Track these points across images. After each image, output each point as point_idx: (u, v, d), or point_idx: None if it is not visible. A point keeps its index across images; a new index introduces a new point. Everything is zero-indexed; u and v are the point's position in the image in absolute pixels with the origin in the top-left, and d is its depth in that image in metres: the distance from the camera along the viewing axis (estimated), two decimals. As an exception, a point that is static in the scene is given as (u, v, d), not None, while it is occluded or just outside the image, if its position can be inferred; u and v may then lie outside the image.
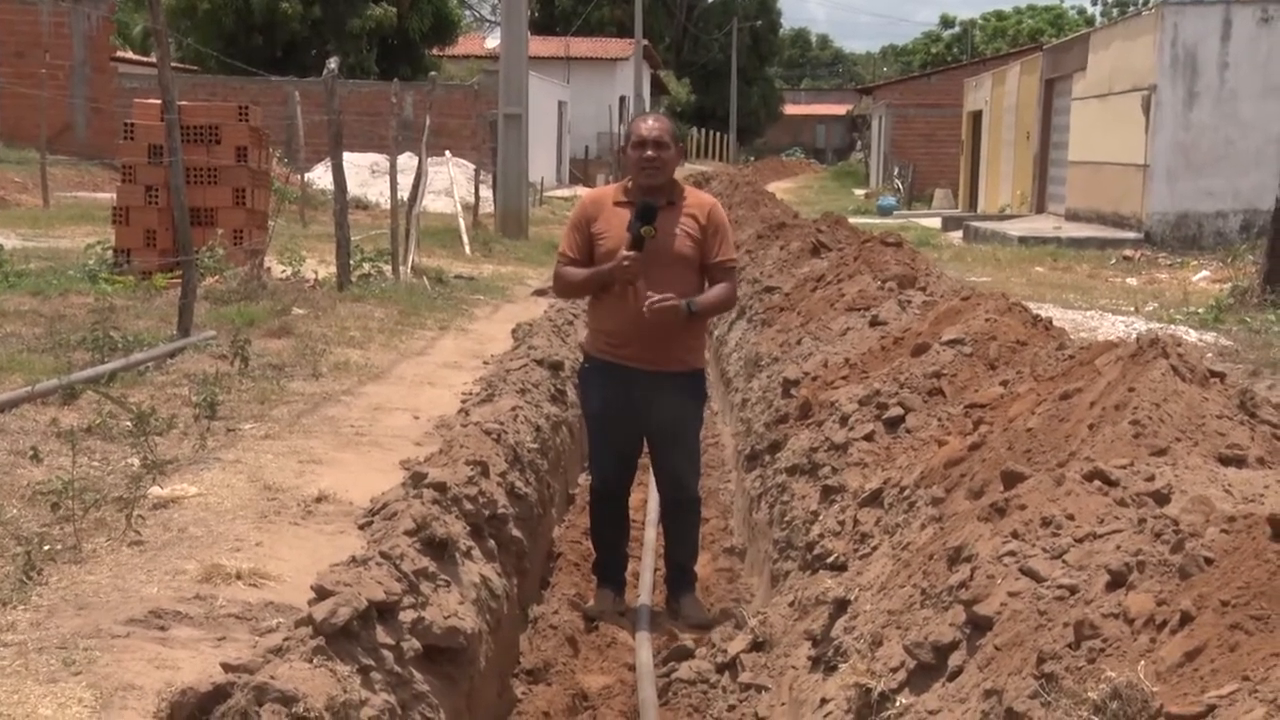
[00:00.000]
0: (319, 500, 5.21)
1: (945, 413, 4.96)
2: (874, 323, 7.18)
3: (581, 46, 48.22)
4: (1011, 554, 3.00)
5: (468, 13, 58.50)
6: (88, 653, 3.49)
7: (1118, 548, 2.77)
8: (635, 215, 5.03)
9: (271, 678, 2.78)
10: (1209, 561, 2.50)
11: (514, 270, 16.68)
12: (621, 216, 5.12)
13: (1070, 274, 18.15)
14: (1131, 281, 17.46)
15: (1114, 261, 19.97)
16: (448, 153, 23.07)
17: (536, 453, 6.04)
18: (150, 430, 5.64)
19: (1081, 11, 71.64)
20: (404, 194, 15.10)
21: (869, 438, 5.14)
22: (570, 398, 7.56)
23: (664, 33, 65.04)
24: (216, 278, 10.79)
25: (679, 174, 5.53)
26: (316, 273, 12.61)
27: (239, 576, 4.17)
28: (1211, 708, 2.08)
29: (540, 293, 13.45)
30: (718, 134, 66.08)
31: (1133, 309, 13.99)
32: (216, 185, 12.29)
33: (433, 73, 25.51)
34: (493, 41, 45.47)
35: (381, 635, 3.26)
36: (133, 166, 12.17)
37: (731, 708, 4.35)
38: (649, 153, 5.09)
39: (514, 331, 9.81)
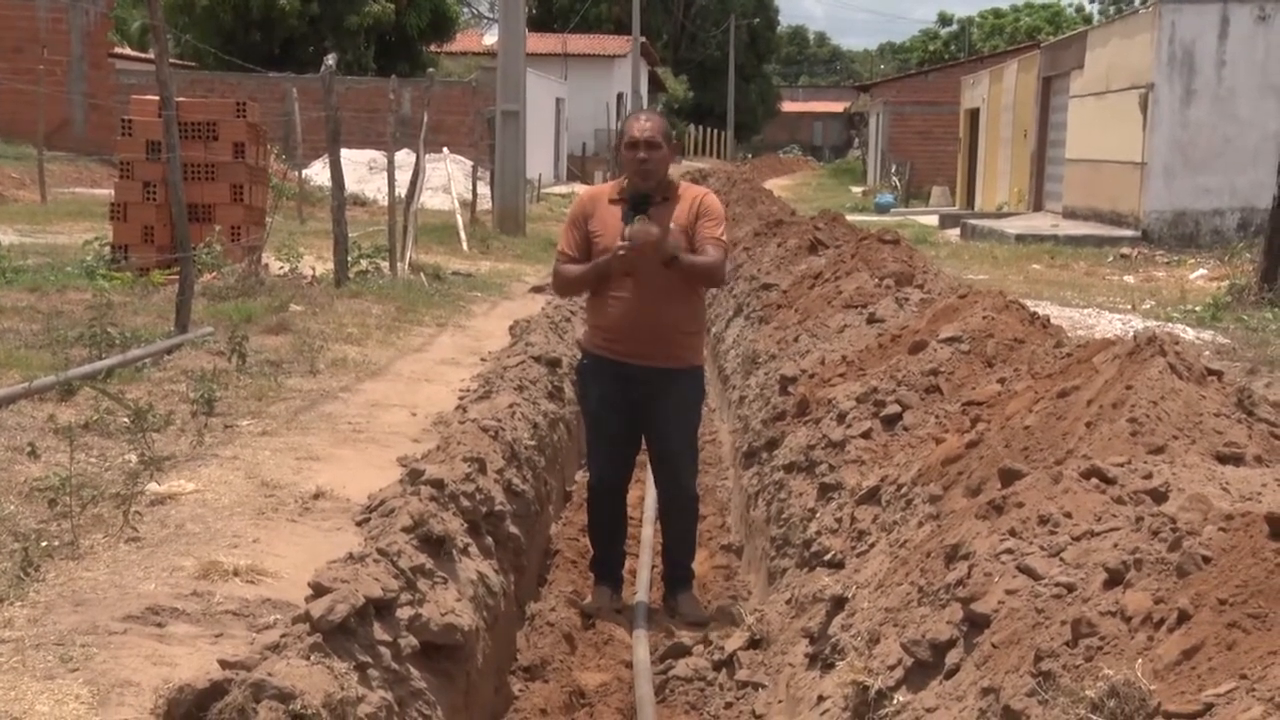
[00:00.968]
0: (316, 497, 5.20)
1: (943, 410, 4.96)
2: (871, 320, 7.18)
3: (579, 43, 48.20)
4: (1009, 552, 3.00)
5: (466, 9, 58.46)
6: (85, 649, 3.49)
7: (1115, 546, 2.78)
8: (630, 206, 5.10)
9: (269, 674, 2.78)
10: (1206, 560, 2.50)
11: (511, 267, 16.67)
12: (616, 214, 5.16)
13: (1068, 272, 18.16)
14: (1129, 279, 17.46)
15: (1111, 259, 19.98)
16: (445, 149, 23.04)
17: (534, 450, 6.04)
18: (148, 426, 5.64)
19: (1079, 9, 71.63)
20: (402, 190, 15.09)
21: (866, 435, 5.14)
22: (568, 394, 7.56)
23: (662, 29, 64.99)
24: (214, 274, 10.78)
25: (675, 170, 5.52)
26: (314, 269, 12.60)
27: (236, 573, 4.17)
28: (1209, 706, 2.08)
29: (538, 289, 13.44)
30: (715, 131, 66.04)
31: (1130, 307, 13.99)
32: (214, 181, 12.29)
33: (430, 69, 25.51)
34: (490, 38, 45.51)
35: (379, 632, 3.26)
36: (130, 163, 12.15)
37: (728, 705, 4.35)
38: (641, 154, 5.12)
39: (512, 328, 9.80)
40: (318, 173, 23.21)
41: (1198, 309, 13.33)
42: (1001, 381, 4.75)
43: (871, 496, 4.45)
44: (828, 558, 4.36)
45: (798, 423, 6.01)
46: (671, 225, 5.10)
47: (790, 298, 9.46)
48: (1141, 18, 23.59)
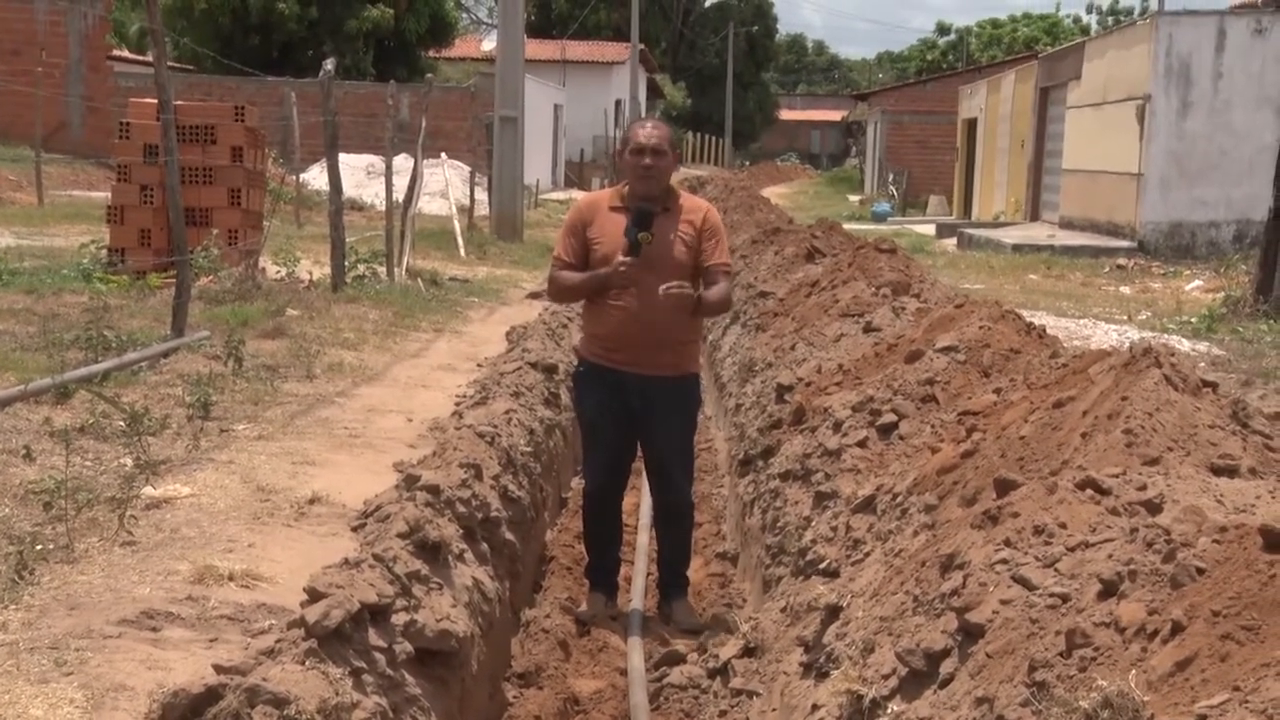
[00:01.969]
0: (312, 502, 5.21)
1: (938, 420, 4.96)
2: (868, 329, 7.19)
3: (578, 50, 48.25)
4: (1004, 562, 3.01)
5: (464, 15, 58.52)
6: (79, 653, 3.49)
7: (1110, 557, 2.78)
8: (632, 221, 5.03)
9: (263, 679, 2.78)
10: (1200, 571, 2.50)
11: (508, 273, 16.68)
12: (617, 221, 5.11)
13: (1064, 282, 18.18)
14: (1125, 290, 17.49)
15: (1107, 270, 20.01)
16: (443, 155, 23.07)
17: (530, 456, 6.04)
18: (143, 430, 5.64)
19: (1077, 20, 71.77)
20: (399, 195, 15.10)
21: (862, 444, 5.15)
22: (564, 401, 7.56)
23: (660, 37, 65.09)
24: (211, 278, 10.78)
25: (673, 178, 5.53)
26: (311, 274, 12.60)
27: (231, 578, 4.17)
28: (1202, 717, 2.08)
29: (535, 295, 13.45)
30: (713, 138, 66.11)
31: (1126, 318, 14.01)
32: (212, 185, 12.30)
33: (429, 75, 25.55)
34: (489, 44, 45.53)
35: (374, 638, 3.26)
36: (128, 166, 12.16)
37: (723, 713, 4.35)
38: (646, 160, 5.07)
39: (508, 334, 9.80)
40: (315, 177, 23.22)
41: (1193, 320, 13.36)
42: (997, 391, 4.75)
43: (867, 505, 4.45)
44: (823, 566, 4.36)
45: (794, 431, 6.01)
46: (672, 237, 5.09)
47: (787, 306, 9.47)
48: (1139, 29, 23.65)
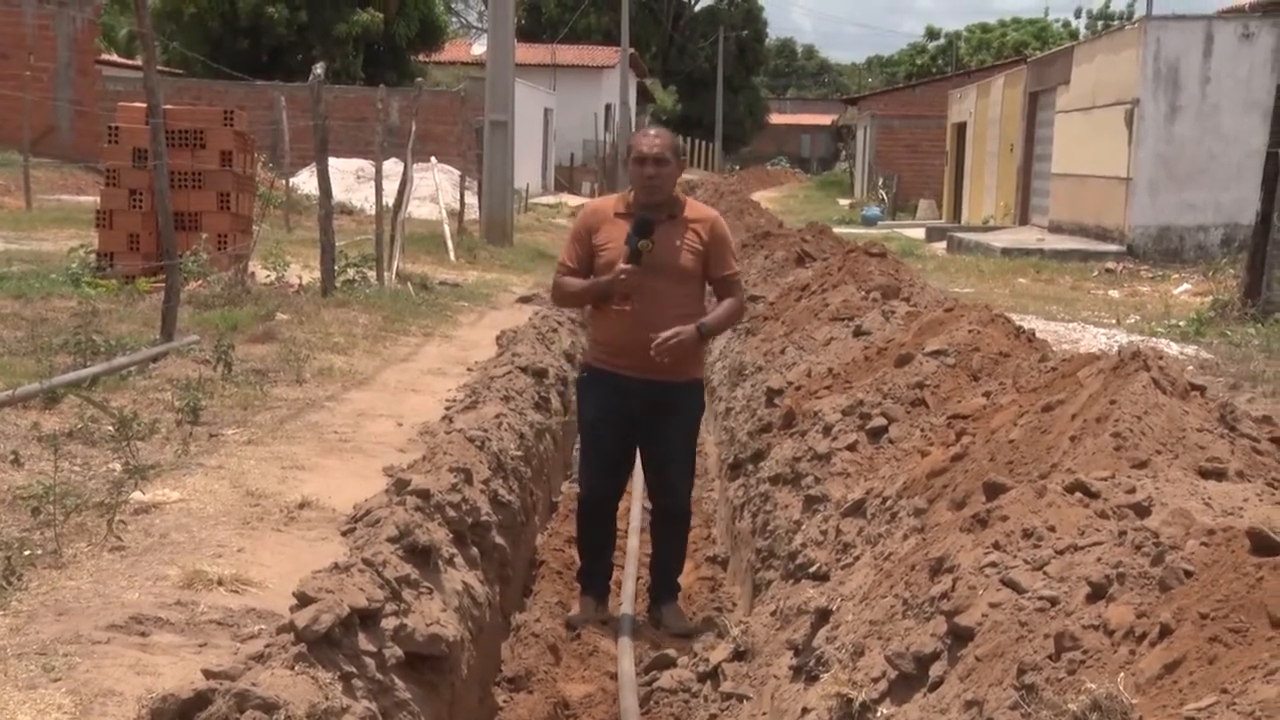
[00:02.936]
0: (302, 506, 5.19)
1: (928, 423, 4.97)
2: (858, 333, 7.20)
3: (568, 54, 48.25)
4: (993, 565, 3.01)
5: (454, 19, 58.55)
6: (68, 659, 3.47)
7: (1098, 560, 2.79)
8: (633, 229, 5.08)
9: (253, 684, 2.77)
10: (1188, 574, 2.51)
11: (499, 277, 16.68)
12: (622, 228, 5.15)
13: (1053, 286, 18.22)
14: (1114, 294, 17.53)
15: (1096, 274, 20.06)
16: (433, 159, 23.05)
17: (520, 460, 6.04)
18: (132, 435, 5.62)
19: (1066, 25, 71.94)
20: (389, 200, 15.08)
21: (852, 448, 5.16)
22: (554, 405, 7.57)
23: (650, 41, 65.13)
24: (200, 282, 10.75)
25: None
26: (301, 278, 12.58)
27: (221, 582, 4.16)
28: (1190, 720, 2.09)
29: (525, 299, 13.44)
30: (703, 143, 66.13)
31: (1115, 321, 14.04)
32: (201, 189, 12.26)
33: (419, 79, 25.55)
34: (479, 48, 45.50)
35: (364, 642, 3.26)
36: (117, 170, 12.13)
37: (713, 717, 4.35)
38: (649, 170, 5.11)
39: (498, 338, 9.80)
40: (305, 181, 23.17)
41: (1182, 324, 13.39)
42: (987, 395, 4.76)
43: (857, 509, 4.46)
44: (813, 570, 4.36)
45: (784, 435, 6.02)
46: (677, 244, 5.13)
47: (777, 310, 9.49)
48: (1127, 34, 23.72)
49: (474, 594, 4.26)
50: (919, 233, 29.49)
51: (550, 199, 35.81)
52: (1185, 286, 18.13)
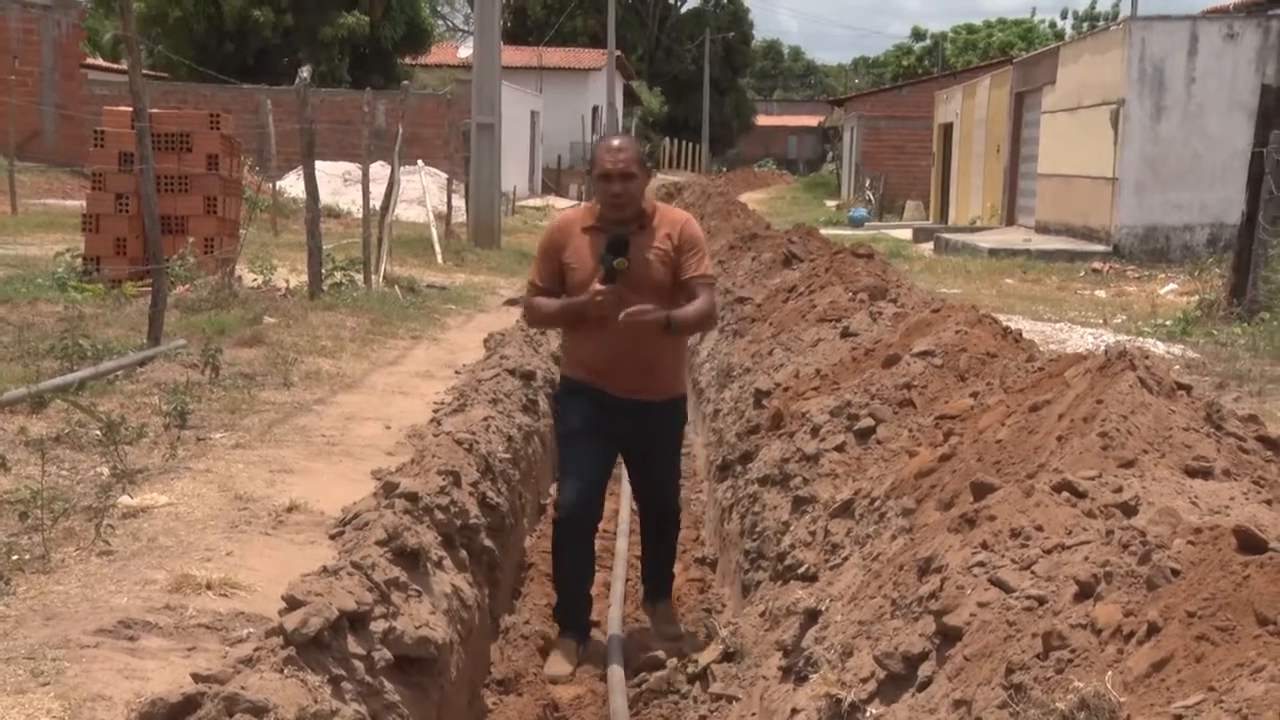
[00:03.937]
0: (290, 510, 5.19)
1: (916, 424, 4.98)
2: (845, 334, 7.20)
3: (554, 56, 48.28)
4: (981, 565, 3.02)
5: (441, 22, 58.50)
6: (56, 663, 3.46)
7: (1086, 559, 2.80)
8: (606, 248, 4.79)
9: (242, 688, 2.77)
10: (1176, 573, 2.52)
11: (486, 280, 16.67)
12: (591, 243, 4.90)
13: (1040, 286, 18.27)
14: (1100, 294, 17.58)
15: (1083, 274, 20.11)
16: (420, 162, 23.06)
17: (508, 463, 6.04)
18: (120, 439, 5.61)
19: (1052, 25, 72.19)
20: (376, 203, 15.07)
21: (840, 449, 5.16)
22: (542, 407, 7.57)
23: (637, 43, 65.19)
24: (187, 286, 10.74)
25: (650, 185, 5.47)
26: (288, 281, 12.57)
27: (209, 586, 4.15)
28: (1178, 718, 2.10)
29: (512, 302, 13.44)
30: (690, 144, 66.20)
31: (1101, 321, 14.09)
32: (188, 193, 12.25)
33: (405, 81, 25.52)
34: (465, 51, 45.47)
35: (353, 645, 3.25)
36: (103, 174, 12.11)
37: (703, 718, 4.35)
38: (615, 188, 4.83)
39: (486, 341, 9.79)
40: (292, 185, 23.14)
41: (1168, 324, 13.44)
42: (974, 395, 4.77)
43: (845, 510, 4.46)
44: (801, 571, 4.37)
45: (772, 436, 6.02)
46: (649, 256, 4.88)
47: (764, 311, 9.49)
48: (1113, 34, 23.80)
49: (463, 596, 4.26)
50: (906, 234, 29.56)
51: (537, 201, 35.83)
52: (1171, 286, 18.19)
